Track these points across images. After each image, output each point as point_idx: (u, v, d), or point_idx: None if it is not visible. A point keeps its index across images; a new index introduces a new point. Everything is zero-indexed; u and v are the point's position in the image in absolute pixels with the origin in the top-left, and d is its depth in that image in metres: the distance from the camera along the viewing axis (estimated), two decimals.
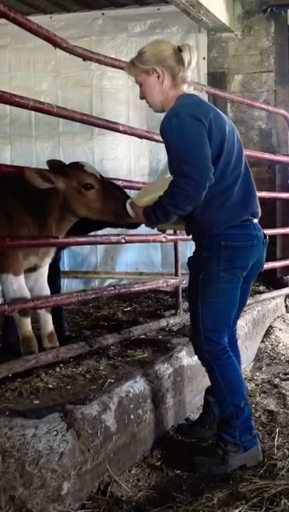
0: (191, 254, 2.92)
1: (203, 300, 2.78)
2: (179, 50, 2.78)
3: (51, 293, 3.55)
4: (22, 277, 3.29)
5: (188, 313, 4.21)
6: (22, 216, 3.27)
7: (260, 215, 2.89)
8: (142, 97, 2.87)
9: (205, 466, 2.80)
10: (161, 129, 2.73)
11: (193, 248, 2.92)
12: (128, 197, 3.23)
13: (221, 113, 2.85)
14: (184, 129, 2.61)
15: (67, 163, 3.47)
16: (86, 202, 3.23)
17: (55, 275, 3.85)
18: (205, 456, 2.87)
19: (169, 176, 2.80)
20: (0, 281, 3.31)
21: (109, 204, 3.19)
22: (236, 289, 2.84)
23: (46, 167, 3.35)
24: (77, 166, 3.29)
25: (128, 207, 2.96)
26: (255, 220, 2.85)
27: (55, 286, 3.82)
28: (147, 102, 2.89)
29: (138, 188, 3.88)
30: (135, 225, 3.49)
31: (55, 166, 3.35)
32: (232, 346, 2.98)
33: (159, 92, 2.80)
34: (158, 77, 2.77)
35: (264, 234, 2.89)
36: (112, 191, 3.26)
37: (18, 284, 3.26)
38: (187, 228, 2.91)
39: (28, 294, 3.31)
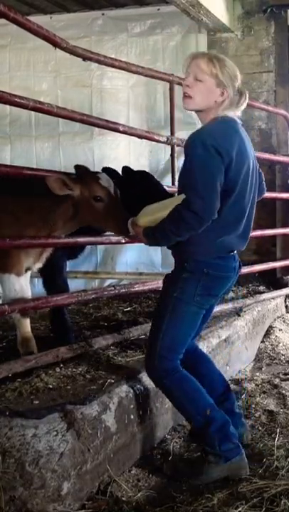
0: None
1: (170, 318, 2.77)
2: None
3: (53, 293, 3.57)
4: (23, 278, 3.31)
5: None
6: (31, 217, 3.30)
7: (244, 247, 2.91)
8: (188, 86, 2.76)
9: (186, 475, 2.75)
10: (186, 149, 2.72)
11: None
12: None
13: (248, 145, 2.83)
14: (206, 163, 2.61)
15: (67, 163, 3.50)
16: (93, 213, 3.30)
17: (57, 274, 3.86)
18: (187, 464, 2.85)
19: (169, 199, 2.84)
20: (1, 281, 3.31)
21: (113, 219, 3.27)
22: (201, 315, 2.85)
23: (46, 167, 3.37)
24: (94, 177, 3.36)
25: (129, 226, 3.00)
26: (234, 251, 2.86)
27: (56, 286, 3.82)
28: (187, 94, 2.77)
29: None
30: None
31: (81, 171, 3.44)
32: (196, 354, 3.01)
33: (210, 102, 2.74)
34: (221, 95, 2.73)
35: (239, 263, 2.89)
36: (119, 208, 3.30)
37: (20, 285, 3.28)
38: (174, 245, 2.86)
39: (29, 295, 3.32)
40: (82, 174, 3.41)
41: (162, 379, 2.82)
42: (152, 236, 2.78)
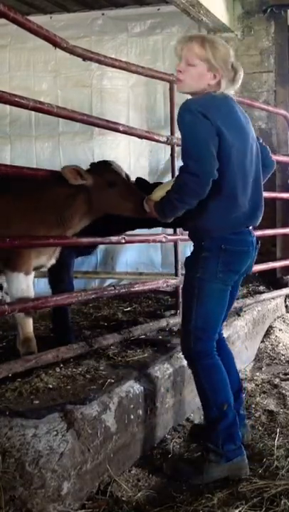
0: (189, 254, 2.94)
1: (198, 298, 2.79)
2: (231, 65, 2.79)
3: (59, 291, 3.58)
4: (31, 277, 3.32)
5: None
6: (47, 215, 3.32)
7: (259, 221, 2.93)
8: (181, 71, 2.78)
9: (186, 475, 2.76)
10: (178, 120, 2.74)
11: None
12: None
13: (243, 118, 2.85)
14: (194, 127, 2.65)
15: (67, 163, 3.52)
16: (110, 198, 3.33)
17: (64, 272, 3.86)
18: (188, 464, 2.85)
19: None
20: (8, 280, 3.32)
21: (129, 201, 3.29)
22: (227, 292, 2.87)
23: (46, 167, 3.38)
24: (105, 164, 3.42)
25: (145, 204, 3.05)
26: (251, 226, 2.89)
27: (63, 284, 3.82)
28: (179, 80, 2.81)
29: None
30: (153, 224, 3.61)
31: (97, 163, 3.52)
32: (220, 346, 3.00)
33: (203, 85, 2.77)
34: (213, 77, 2.76)
35: (256, 239, 2.92)
36: (134, 189, 3.38)
37: (27, 284, 3.30)
38: (188, 224, 2.92)
39: (32, 294, 3.33)
40: (94, 164, 3.48)
41: (195, 361, 2.85)
42: (161, 208, 2.82)
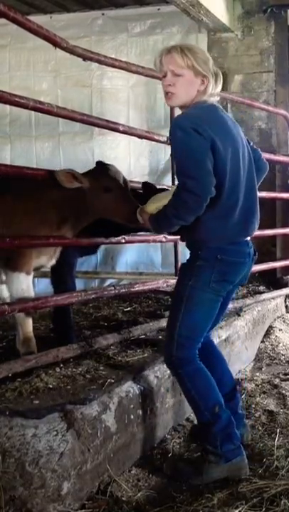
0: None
1: (186, 306, 2.78)
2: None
3: (61, 291, 3.57)
4: (31, 277, 3.32)
5: None
6: (45, 214, 3.31)
7: (255, 231, 2.92)
8: (170, 85, 2.78)
9: (185, 475, 2.76)
10: (170, 137, 2.78)
11: None
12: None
13: (233, 127, 2.86)
14: (188, 145, 2.65)
15: (67, 163, 3.51)
16: (103, 203, 3.32)
17: (67, 272, 3.86)
18: (187, 464, 2.84)
19: (176, 184, 2.84)
20: (9, 279, 3.31)
21: (123, 208, 3.28)
22: (218, 303, 2.86)
23: (46, 167, 3.38)
24: (103, 168, 3.38)
25: (138, 214, 3.04)
26: (248, 238, 2.88)
27: (65, 284, 3.82)
28: (170, 93, 2.80)
29: (137, 188, 3.88)
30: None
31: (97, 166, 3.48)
32: (209, 349, 3.00)
33: (193, 94, 2.78)
34: (202, 83, 2.76)
35: (254, 250, 2.91)
36: (129, 197, 3.34)
37: (27, 284, 3.30)
38: (184, 236, 2.92)
39: (32, 294, 3.32)
40: (93, 168, 3.45)
41: (178, 368, 2.83)
42: (156, 222, 2.82)
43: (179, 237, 4.20)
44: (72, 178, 3.21)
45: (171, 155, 4.28)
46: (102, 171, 3.37)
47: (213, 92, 2.81)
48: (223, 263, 2.75)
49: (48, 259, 3.48)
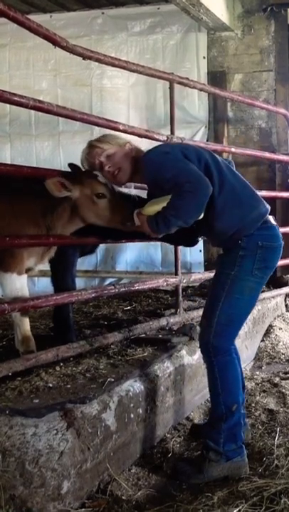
0: (221, 253, 3.03)
1: (227, 295, 2.81)
2: None
3: (60, 291, 3.56)
4: (24, 277, 3.32)
5: (188, 313, 4.26)
6: (32, 216, 3.29)
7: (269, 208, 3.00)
8: (111, 166, 3.06)
9: (185, 474, 2.77)
10: (147, 178, 2.96)
11: (193, 248, 2.96)
12: (136, 206, 3.26)
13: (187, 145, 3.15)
14: (166, 162, 2.79)
15: (67, 162, 3.48)
16: (97, 210, 3.28)
17: (67, 272, 3.85)
18: (187, 463, 2.85)
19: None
20: (1, 280, 3.31)
21: (117, 213, 3.25)
22: (258, 292, 2.92)
23: (46, 166, 3.36)
24: (92, 175, 3.32)
25: (135, 216, 3.04)
26: (273, 220, 2.95)
27: (66, 284, 3.81)
28: (116, 173, 3.07)
29: (138, 188, 3.88)
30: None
31: (74, 170, 3.42)
32: None
33: (131, 160, 3.05)
34: (130, 149, 3.10)
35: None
36: (122, 201, 3.30)
37: (21, 284, 3.28)
38: (217, 239, 3.02)
39: (27, 294, 3.32)
40: (79, 174, 3.38)
41: (212, 356, 2.85)
42: (155, 223, 2.84)
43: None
44: (61, 186, 3.16)
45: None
46: (91, 177, 3.29)
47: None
48: (264, 249, 2.83)
49: (35, 262, 3.44)
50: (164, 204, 2.80)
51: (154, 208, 2.90)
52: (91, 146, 3.14)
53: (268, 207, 2.96)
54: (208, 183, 2.71)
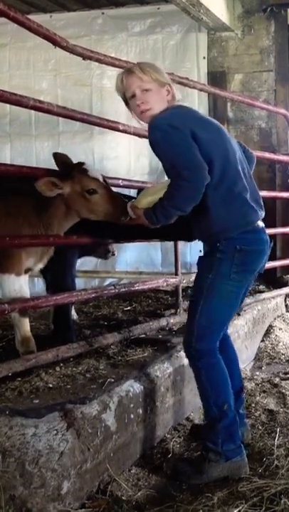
0: (200, 254, 2.99)
1: (205, 298, 2.79)
2: None
3: (60, 291, 3.56)
4: (23, 278, 3.31)
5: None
6: (28, 215, 3.29)
7: (264, 214, 2.93)
8: (142, 103, 2.86)
9: (185, 475, 2.76)
10: (150, 143, 2.80)
11: (193, 248, 2.94)
12: (129, 199, 3.25)
13: (209, 120, 2.92)
14: (170, 140, 2.69)
15: None
16: (89, 205, 3.27)
17: (67, 273, 3.85)
18: (187, 464, 2.84)
19: (167, 180, 2.83)
20: (0, 281, 3.31)
21: (111, 207, 3.23)
22: (239, 295, 2.87)
23: (46, 166, 3.35)
24: (82, 170, 3.30)
25: (129, 209, 3.01)
26: (261, 224, 2.89)
27: (66, 285, 3.81)
28: (144, 111, 2.87)
29: (138, 187, 3.88)
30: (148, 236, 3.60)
31: (61, 160, 3.36)
32: (225, 344, 2.99)
33: (164, 104, 2.87)
34: (168, 93, 2.88)
35: (269, 237, 2.92)
36: (114, 195, 3.29)
37: (20, 285, 3.28)
38: (198, 232, 2.93)
39: (27, 294, 3.32)
40: (67, 163, 3.35)
41: (196, 360, 2.84)
42: (153, 214, 2.80)
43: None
44: (52, 185, 3.14)
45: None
46: (82, 172, 3.28)
47: (179, 99, 2.95)
48: (243, 253, 2.76)
49: (34, 262, 3.44)
50: (159, 195, 2.76)
51: (147, 199, 2.87)
52: (130, 71, 2.91)
53: (263, 213, 2.89)
54: (204, 172, 2.64)
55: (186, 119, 2.76)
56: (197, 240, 3.12)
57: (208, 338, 2.82)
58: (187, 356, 2.93)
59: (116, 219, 3.24)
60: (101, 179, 3.31)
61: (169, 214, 2.75)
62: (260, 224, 2.87)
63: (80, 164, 3.36)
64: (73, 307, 4.35)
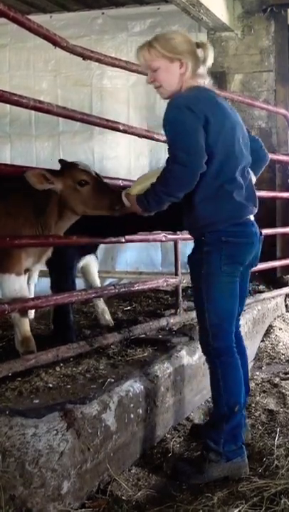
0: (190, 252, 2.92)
1: (207, 295, 2.77)
2: (197, 45, 2.82)
3: (60, 291, 3.56)
4: (23, 277, 3.31)
5: (188, 313, 4.26)
6: (25, 215, 3.29)
7: (256, 211, 2.91)
8: (153, 81, 2.82)
9: (185, 474, 2.76)
10: (163, 119, 2.74)
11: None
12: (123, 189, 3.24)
13: (229, 110, 2.84)
14: (181, 120, 2.64)
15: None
16: (82, 198, 3.27)
17: (67, 273, 3.85)
18: (187, 463, 2.84)
19: (161, 166, 2.80)
20: (0, 281, 3.31)
21: (104, 197, 3.22)
22: (236, 284, 2.84)
23: (46, 166, 3.35)
24: (71, 165, 3.33)
25: (123, 197, 2.98)
26: (252, 217, 2.86)
27: (67, 286, 3.80)
28: (157, 87, 2.83)
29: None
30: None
31: (63, 165, 3.40)
32: (237, 344, 2.97)
33: (179, 81, 2.79)
34: (180, 66, 2.78)
35: (259, 231, 2.90)
36: (107, 185, 3.30)
37: (20, 284, 3.28)
38: (187, 223, 2.90)
39: (27, 295, 3.32)
40: (61, 166, 3.37)
41: (214, 357, 2.83)
42: (145, 201, 2.77)
43: (178, 236, 4.23)
44: (43, 179, 3.14)
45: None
46: (71, 167, 3.29)
47: (201, 72, 2.82)
48: (230, 245, 2.73)
49: (33, 262, 3.44)
50: (151, 181, 2.74)
51: (141, 185, 2.84)
52: (141, 47, 2.82)
53: (255, 210, 2.85)
54: (201, 160, 2.61)
55: (205, 104, 2.69)
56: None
57: (222, 335, 2.81)
58: (205, 353, 2.91)
59: (110, 210, 3.21)
60: (92, 172, 3.31)
61: (160, 199, 2.71)
62: (250, 217, 2.84)
63: (73, 163, 3.38)
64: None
